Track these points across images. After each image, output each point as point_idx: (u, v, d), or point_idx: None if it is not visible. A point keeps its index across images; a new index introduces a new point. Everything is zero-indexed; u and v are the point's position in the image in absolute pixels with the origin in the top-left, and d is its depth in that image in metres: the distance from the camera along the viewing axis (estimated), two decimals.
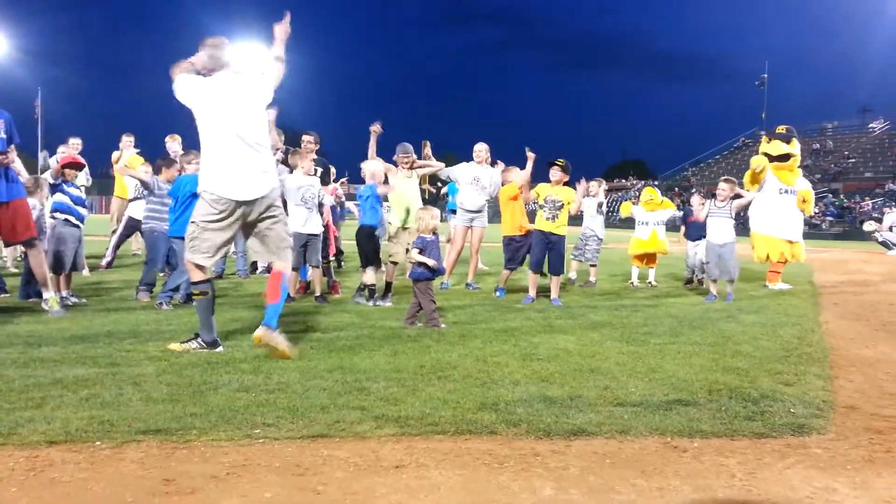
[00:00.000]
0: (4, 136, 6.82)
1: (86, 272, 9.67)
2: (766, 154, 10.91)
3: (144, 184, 8.48)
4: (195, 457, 3.20)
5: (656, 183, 51.84)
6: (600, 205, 11.04)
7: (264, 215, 5.40)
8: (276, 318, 5.28)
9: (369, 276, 8.06)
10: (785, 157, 10.77)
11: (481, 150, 10.07)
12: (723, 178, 10.13)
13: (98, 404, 3.88)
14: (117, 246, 11.58)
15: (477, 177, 9.90)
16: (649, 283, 10.71)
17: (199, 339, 5.32)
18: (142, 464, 3.11)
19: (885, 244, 20.87)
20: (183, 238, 7.55)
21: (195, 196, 7.73)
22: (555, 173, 8.59)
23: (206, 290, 5.41)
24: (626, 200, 11.49)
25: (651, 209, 10.77)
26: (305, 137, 9.75)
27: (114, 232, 11.96)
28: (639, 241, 10.76)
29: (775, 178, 10.85)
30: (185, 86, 5.29)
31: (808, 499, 2.88)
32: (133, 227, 10.95)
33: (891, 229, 21.02)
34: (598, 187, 11.17)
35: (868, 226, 22.97)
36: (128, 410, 3.78)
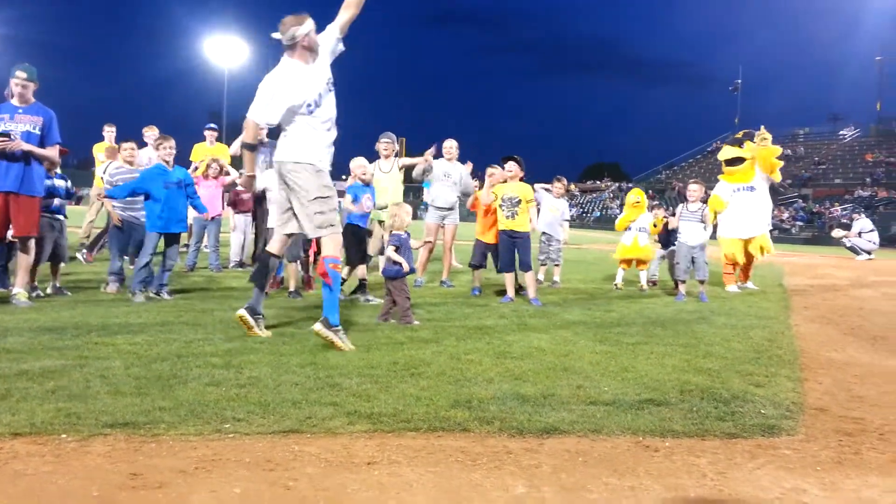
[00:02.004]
0: (39, 132, 6.77)
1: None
2: (725, 160, 11.05)
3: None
4: (163, 451, 3.15)
5: (630, 185, 52.19)
6: (563, 211, 10.98)
7: None
8: (334, 311, 5.39)
9: (358, 271, 8.07)
10: (737, 161, 10.89)
11: (451, 146, 10.08)
12: (692, 179, 10.22)
13: (65, 396, 3.80)
14: (97, 239, 11.44)
15: (447, 172, 9.90)
16: (640, 286, 10.58)
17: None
18: (108, 457, 3.05)
19: (854, 249, 21.23)
20: (157, 232, 7.50)
21: (181, 186, 7.69)
22: (511, 167, 8.56)
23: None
24: (600, 204, 11.28)
25: (637, 211, 10.63)
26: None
27: (91, 222, 11.82)
28: (622, 247, 10.73)
29: (726, 183, 11.01)
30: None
31: (778, 499, 2.90)
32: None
33: (859, 235, 21.36)
34: (562, 188, 11.09)
35: (836, 233, 23.33)
36: (95, 403, 3.71)
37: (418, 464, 3.13)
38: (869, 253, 20.90)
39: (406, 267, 6.67)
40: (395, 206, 7.15)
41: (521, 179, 8.67)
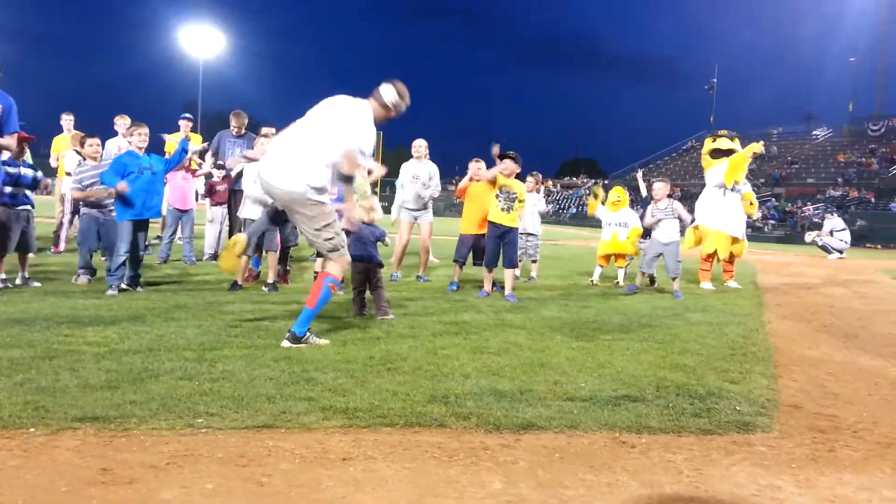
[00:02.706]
0: None
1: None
2: (717, 150, 11.13)
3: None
4: (134, 446, 3.09)
5: (606, 182, 52.51)
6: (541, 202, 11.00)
7: None
8: (304, 325, 5.26)
9: (318, 263, 8.04)
10: (730, 153, 11.03)
11: (420, 145, 9.98)
12: (656, 178, 10.27)
13: (33, 389, 3.73)
14: (68, 227, 11.27)
15: (416, 174, 9.81)
16: (617, 282, 10.62)
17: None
18: (78, 452, 2.99)
19: (826, 248, 21.48)
20: (130, 222, 7.39)
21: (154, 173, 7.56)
22: (508, 165, 8.55)
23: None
24: (591, 196, 11.20)
25: (615, 210, 10.64)
26: (265, 130, 9.56)
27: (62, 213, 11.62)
28: (602, 244, 10.77)
29: (713, 174, 11.10)
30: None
31: (754, 496, 2.90)
32: (78, 207, 10.66)
33: (831, 234, 21.62)
34: (535, 184, 11.09)
35: (808, 237, 23.60)
36: (64, 397, 3.63)
37: (394, 459, 3.10)
38: (840, 252, 21.16)
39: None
40: (367, 201, 7.07)
41: (516, 176, 8.67)
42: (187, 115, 12.76)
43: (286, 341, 5.15)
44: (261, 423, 3.43)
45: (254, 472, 2.87)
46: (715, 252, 10.79)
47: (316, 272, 8.04)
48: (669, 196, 9.75)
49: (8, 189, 7.33)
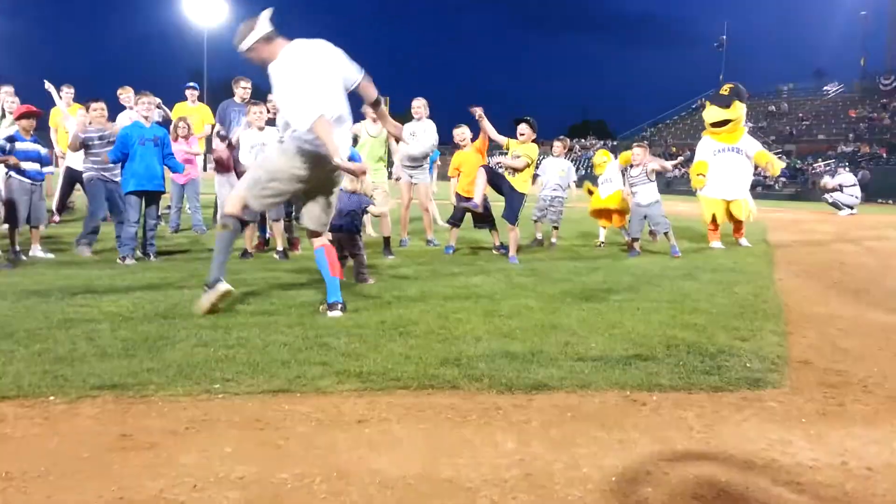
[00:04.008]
0: None
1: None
2: (713, 122, 11.00)
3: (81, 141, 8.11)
4: (153, 412, 3.15)
5: (615, 143, 52.15)
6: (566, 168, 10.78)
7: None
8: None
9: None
10: (723, 123, 10.89)
11: (419, 105, 9.86)
12: (636, 143, 10.16)
13: (51, 359, 3.78)
14: (62, 200, 11.32)
15: (414, 132, 9.74)
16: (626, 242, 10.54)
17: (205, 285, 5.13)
18: (98, 419, 3.05)
19: (836, 205, 21.31)
20: (133, 192, 7.42)
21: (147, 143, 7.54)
22: (523, 130, 8.53)
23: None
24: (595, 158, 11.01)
25: (600, 173, 10.52)
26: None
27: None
28: (596, 199, 10.56)
29: (711, 140, 11.02)
30: None
31: (765, 451, 2.94)
32: (73, 177, 10.68)
33: (841, 189, 21.39)
34: (562, 148, 10.92)
35: (825, 181, 22.97)
36: (82, 366, 3.69)
37: (408, 421, 3.14)
38: (851, 208, 21.00)
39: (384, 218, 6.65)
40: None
41: (533, 141, 8.64)
42: (193, 83, 12.72)
43: (336, 312, 5.08)
44: (276, 387, 3.48)
45: (271, 436, 2.93)
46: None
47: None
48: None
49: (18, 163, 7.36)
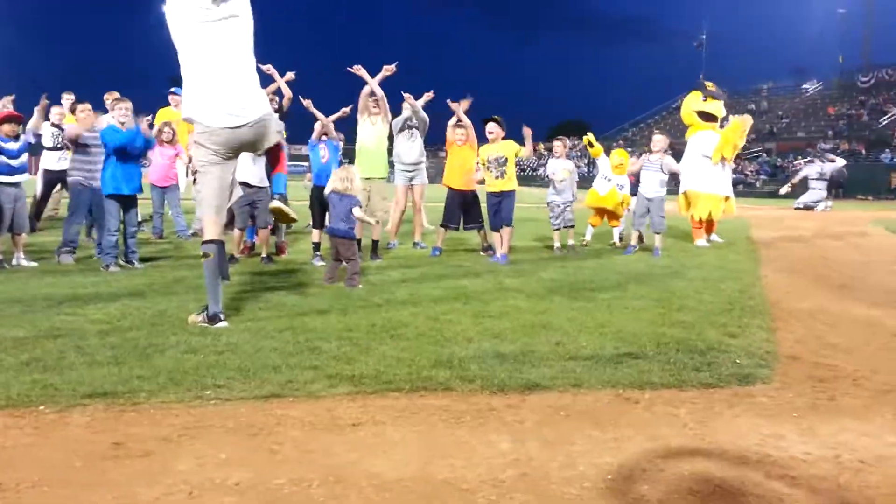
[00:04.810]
0: None
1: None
2: (703, 112, 11.05)
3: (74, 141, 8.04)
4: (145, 420, 3.12)
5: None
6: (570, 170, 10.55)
7: None
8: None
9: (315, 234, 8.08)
10: (712, 118, 11.02)
11: (409, 96, 9.79)
12: (657, 130, 10.20)
13: (40, 368, 3.75)
14: (39, 205, 11.16)
15: (409, 120, 9.71)
16: (612, 242, 10.50)
17: (205, 313, 4.88)
18: (89, 427, 3.02)
19: (808, 207, 20.72)
20: (111, 196, 7.35)
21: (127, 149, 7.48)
22: (492, 129, 8.52)
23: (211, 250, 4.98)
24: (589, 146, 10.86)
25: (618, 174, 10.23)
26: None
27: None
28: (594, 194, 10.41)
29: (702, 141, 11.05)
30: None
31: (758, 445, 2.96)
32: (51, 180, 10.55)
33: (806, 183, 20.83)
34: (563, 148, 10.41)
35: (782, 190, 22.52)
36: (71, 374, 3.66)
37: (403, 423, 3.14)
38: (824, 201, 20.54)
39: (375, 224, 6.64)
40: (344, 170, 7.02)
41: (503, 138, 8.61)
42: (176, 89, 12.61)
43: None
44: (268, 392, 3.47)
45: (265, 441, 2.91)
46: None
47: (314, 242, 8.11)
48: (666, 151, 9.69)
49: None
